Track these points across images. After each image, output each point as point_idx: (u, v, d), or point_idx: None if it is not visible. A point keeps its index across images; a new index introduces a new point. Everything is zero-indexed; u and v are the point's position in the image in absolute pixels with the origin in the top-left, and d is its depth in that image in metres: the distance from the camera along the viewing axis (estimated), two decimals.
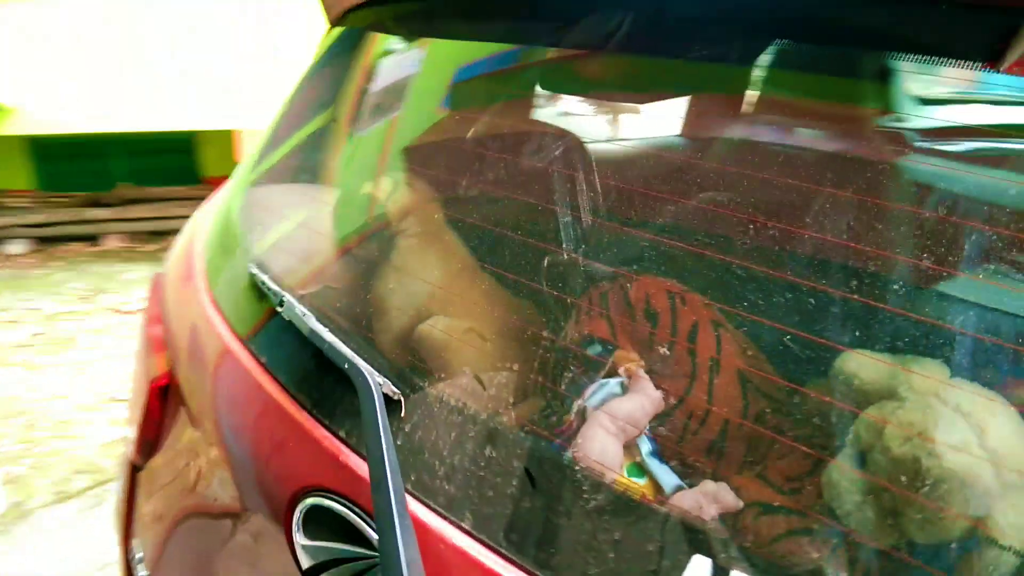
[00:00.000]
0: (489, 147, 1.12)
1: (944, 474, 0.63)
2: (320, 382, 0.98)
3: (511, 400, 0.85)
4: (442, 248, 1.09)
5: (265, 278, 1.13)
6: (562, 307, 0.91)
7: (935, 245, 0.72)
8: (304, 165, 1.44)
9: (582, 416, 0.81)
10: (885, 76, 0.73)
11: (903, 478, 0.65)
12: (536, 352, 0.89)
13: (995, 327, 0.67)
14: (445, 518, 0.78)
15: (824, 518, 0.68)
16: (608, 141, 1.05)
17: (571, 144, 1.03)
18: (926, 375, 0.68)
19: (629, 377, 0.82)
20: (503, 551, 0.74)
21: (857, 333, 0.73)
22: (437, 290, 1.06)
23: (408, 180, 1.19)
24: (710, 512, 0.71)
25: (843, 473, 0.70)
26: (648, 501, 0.73)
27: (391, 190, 1.18)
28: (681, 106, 0.97)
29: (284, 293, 1.07)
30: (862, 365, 0.72)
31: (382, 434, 0.76)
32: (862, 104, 0.78)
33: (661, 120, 1.01)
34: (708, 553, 0.67)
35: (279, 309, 1.04)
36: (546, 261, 0.92)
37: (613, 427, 0.79)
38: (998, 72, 0.61)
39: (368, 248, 1.17)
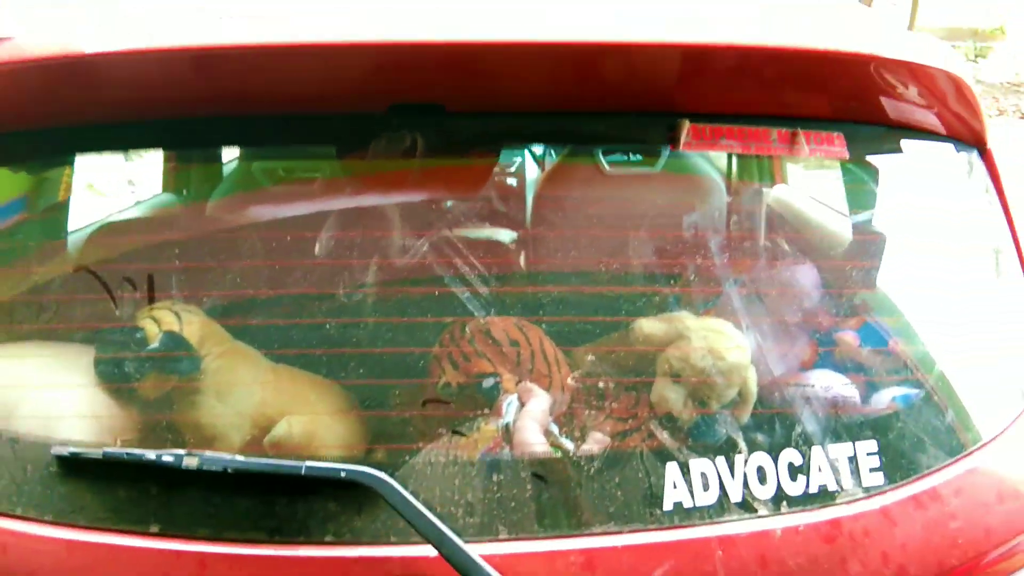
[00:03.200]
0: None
1: (729, 365, 1.13)
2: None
3: (471, 436, 1.09)
4: (251, 358, 1.22)
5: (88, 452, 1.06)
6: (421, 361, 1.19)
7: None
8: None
9: (507, 429, 1.10)
10: None
11: (707, 376, 1.13)
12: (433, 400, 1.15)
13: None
14: (499, 540, 0.98)
15: (658, 422, 1.11)
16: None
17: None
18: (688, 319, 1.19)
19: (521, 391, 1.14)
20: (525, 535, 0.98)
21: (636, 308, 1.21)
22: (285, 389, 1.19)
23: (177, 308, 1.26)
24: (602, 450, 1.08)
25: (665, 388, 1.15)
26: (568, 460, 1.06)
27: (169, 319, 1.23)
28: None
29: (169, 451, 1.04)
30: (651, 326, 1.19)
31: (423, 510, 0.92)
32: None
33: None
34: (614, 470, 1.04)
35: (183, 464, 1.01)
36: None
37: (536, 425, 1.10)
38: (678, 150, 1.17)
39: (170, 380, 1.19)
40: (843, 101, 1.24)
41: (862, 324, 1.25)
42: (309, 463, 0.96)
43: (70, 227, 1.59)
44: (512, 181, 1.28)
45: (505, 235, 1.27)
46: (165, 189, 2.15)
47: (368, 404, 1.19)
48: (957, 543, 1.04)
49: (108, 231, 1.42)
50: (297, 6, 1.11)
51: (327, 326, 1.22)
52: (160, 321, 1.15)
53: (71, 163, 1.51)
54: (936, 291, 1.29)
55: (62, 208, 1.56)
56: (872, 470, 1.06)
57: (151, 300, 1.20)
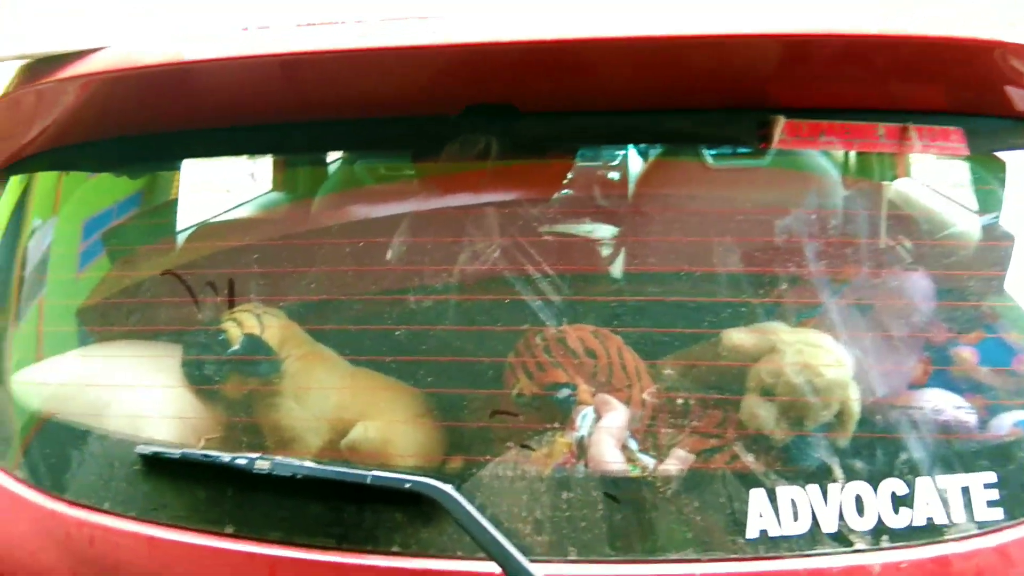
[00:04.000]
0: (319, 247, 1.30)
1: (826, 383, 1.05)
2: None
3: (544, 450, 1.05)
4: (331, 361, 1.23)
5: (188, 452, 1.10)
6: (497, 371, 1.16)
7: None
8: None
9: (581, 443, 1.05)
10: None
11: (802, 394, 1.05)
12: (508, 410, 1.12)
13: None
14: (567, 561, 0.95)
15: (745, 442, 1.04)
16: None
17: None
18: (782, 332, 1.10)
19: (598, 404, 1.09)
20: (595, 558, 0.94)
21: (723, 319, 1.13)
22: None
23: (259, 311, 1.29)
24: (682, 470, 1.02)
25: (756, 406, 1.07)
26: (646, 479, 1.01)
27: (251, 323, 1.26)
28: None
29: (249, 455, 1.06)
30: (740, 337, 1.12)
31: (488, 526, 0.90)
32: None
33: None
34: (695, 492, 0.97)
35: (255, 468, 1.03)
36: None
37: (612, 440, 1.05)
38: (770, 149, 1.09)
39: (249, 382, 1.22)
40: (961, 92, 1.13)
41: (982, 339, 1.13)
42: (375, 472, 0.96)
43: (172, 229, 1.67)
44: (590, 183, 1.23)
45: (584, 239, 1.23)
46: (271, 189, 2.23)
47: (442, 412, 1.18)
48: None
49: (200, 235, 1.47)
50: (374, 10, 1.11)
51: (405, 331, 1.21)
52: (242, 324, 1.18)
53: (175, 167, 1.58)
54: None
55: (164, 211, 1.64)
56: (990, 504, 0.95)
57: (234, 303, 1.23)
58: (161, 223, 1.56)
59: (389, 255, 1.22)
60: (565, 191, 1.23)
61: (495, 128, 1.11)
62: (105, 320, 1.28)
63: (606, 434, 1.07)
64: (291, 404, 1.18)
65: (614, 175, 1.28)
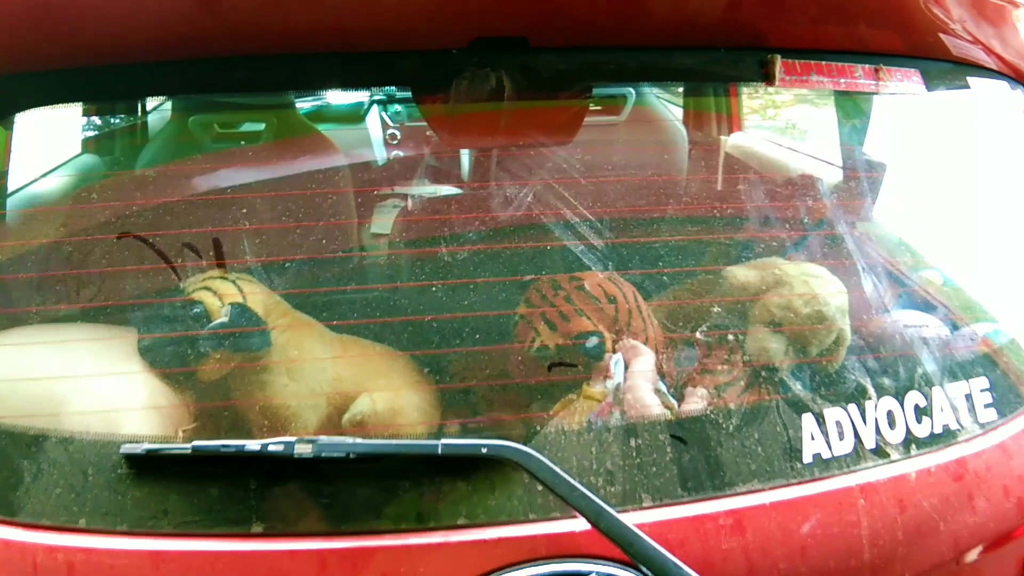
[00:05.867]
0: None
1: (833, 310, 1.12)
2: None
3: (576, 401, 1.02)
4: (316, 330, 1.11)
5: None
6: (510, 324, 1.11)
7: None
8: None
9: (617, 390, 1.04)
10: None
11: (812, 323, 1.11)
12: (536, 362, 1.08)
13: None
14: (643, 508, 0.93)
15: (757, 366, 1.10)
16: None
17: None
18: (783, 265, 1.16)
19: (626, 350, 1.08)
20: (668, 501, 0.94)
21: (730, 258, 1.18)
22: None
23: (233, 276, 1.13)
24: (706, 403, 1.05)
25: (761, 336, 1.13)
26: (680, 416, 1.03)
27: (230, 290, 1.09)
28: None
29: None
30: (745, 273, 1.16)
31: (576, 483, 0.85)
32: None
33: None
34: (718, 420, 1.01)
35: (296, 452, 0.88)
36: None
37: (647, 385, 1.05)
38: (774, 87, 1.13)
39: (236, 359, 1.07)
40: (913, 37, 1.24)
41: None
42: (445, 441, 0.87)
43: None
44: (584, 126, 1.20)
45: (580, 184, 1.20)
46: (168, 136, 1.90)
47: (453, 374, 1.10)
48: None
49: (124, 186, 1.23)
50: None
51: (394, 291, 1.12)
52: (220, 293, 1.02)
53: None
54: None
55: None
56: (986, 406, 1.08)
57: (195, 269, 1.06)
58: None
59: (375, 205, 1.11)
60: (561, 135, 1.19)
61: (506, 63, 1.04)
62: (39, 295, 1.03)
63: (641, 379, 1.06)
64: (284, 380, 1.05)
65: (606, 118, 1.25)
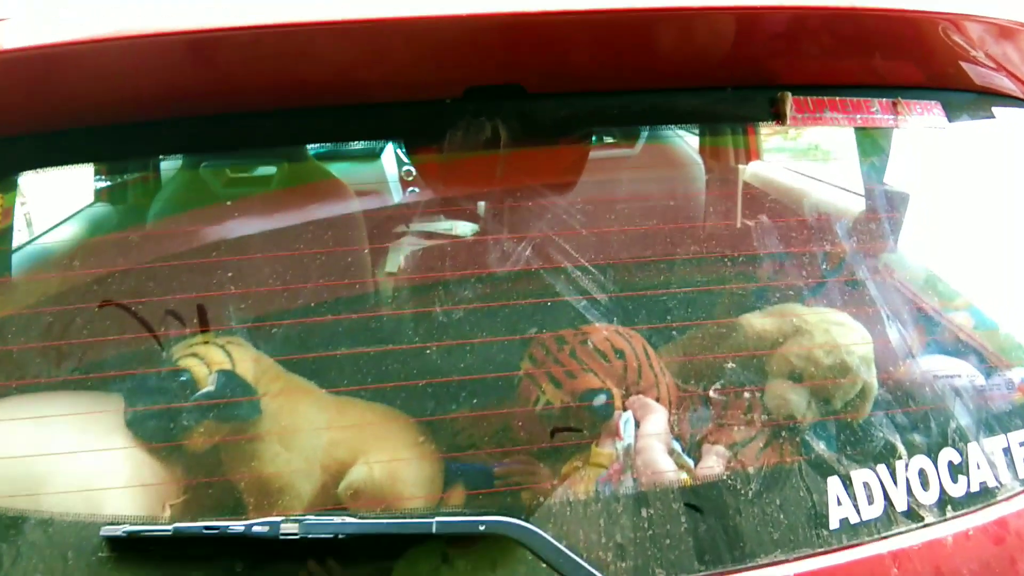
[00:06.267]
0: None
1: (857, 360, 1.05)
2: None
3: (584, 464, 0.96)
4: (311, 393, 1.06)
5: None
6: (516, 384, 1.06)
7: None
8: None
9: (627, 452, 0.98)
10: None
11: (834, 374, 1.05)
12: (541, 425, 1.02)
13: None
14: None
15: (777, 423, 1.03)
16: None
17: None
18: (806, 313, 1.10)
19: (636, 407, 1.02)
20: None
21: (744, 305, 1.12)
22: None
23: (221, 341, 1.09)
24: (724, 463, 0.99)
25: (782, 387, 1.06)
26: (695, 481, 0.96)
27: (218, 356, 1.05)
28: None
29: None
30: (759, 322, 1.10)
31: (582, 562, 0.80)
32: None
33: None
34: (737, 484, 0.95)
35: (281, 533, 0.84)
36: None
37: (660, 445, 0.99)
38: (785, 126, 1.08)
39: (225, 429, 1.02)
40: (934, 68, 1.18)
41: (969, 305, 1.20)
42: (440, 519, 0.82)
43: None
44: (595, 161, 1.16)
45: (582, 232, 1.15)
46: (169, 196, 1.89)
47: (456, 437, 1.05)
48: None
49: (106, 249, 1.21)
50: None
51: (394, 351, 1.07)
52: (207, 359, 0.98)
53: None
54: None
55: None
56: None
57: (182, 335, 1.02)
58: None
59: (382, 262, 1.07)
60: (565, 181, 1.14)
61: (502, 111, 1.00)
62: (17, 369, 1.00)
63: (654, 439, 1.00)
64: (277, 449, 1.00)
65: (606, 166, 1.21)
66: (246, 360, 1.00)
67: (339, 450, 1.03)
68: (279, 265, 1.07)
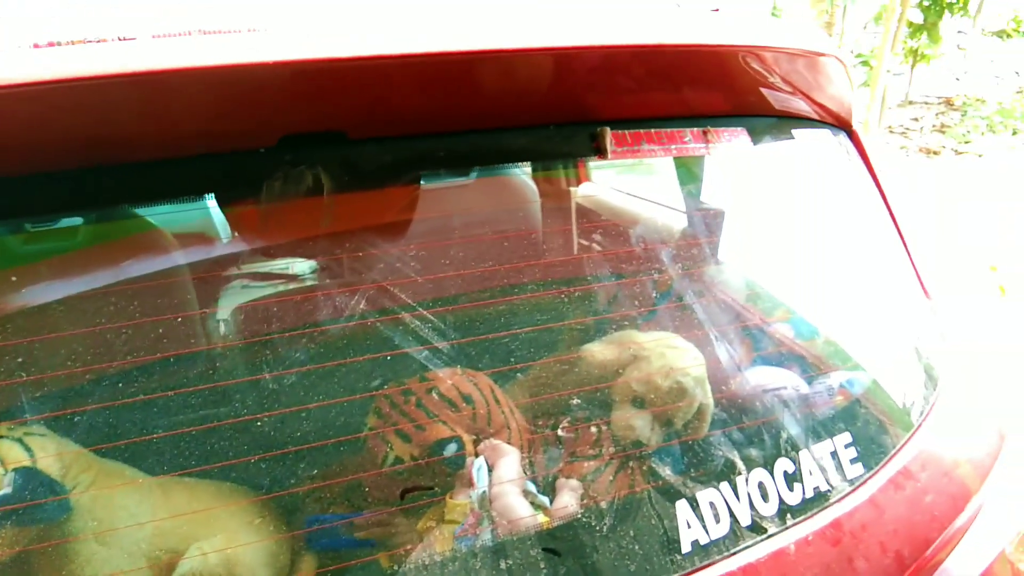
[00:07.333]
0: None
1: (693, 380, 1.10)
2: None
3: (439, 517, 0.93)
4: (128, 479, 0.97)
5: None
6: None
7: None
8: None
9: (483, 499, 0.96)
10: None
11: (673, 396, 1.08)
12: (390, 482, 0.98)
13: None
14: None
15: (622, 447, 1.06)
16: None
17: None
18: (638, 338, 1.13)
19: (487, 452, 1.01)
20: None
21: (581, 337, 1.13)
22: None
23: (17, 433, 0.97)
24: (578, 498, 1.00)
25: (626, 414, 1.09)
26: (552, 523, 0.97)
27: (15, 452, 0.93)
28: None
29: None
30: (603, 351, 1.12)
31: None
32: None
33: None
34: (592, 520, 0.97)
35: None
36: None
37: (514, 488, 0.98)
38: (607, 160, 1.10)
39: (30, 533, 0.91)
40: (738, 96, 1.26)
41: (789, 317, 1.28)
42: None
43: None
44: (419, 212, 1.13)
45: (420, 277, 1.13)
46: None
47: (300, 510, 0.99)
48: (935, 516, 1.08)
49: None
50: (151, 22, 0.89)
51: (221, 417, 0.99)
52: (2, 456, 0.86)
53: None
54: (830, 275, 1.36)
55: None
56: (852, 461, 1.08)
57: None
58: None
59: (194, 323, 0.99)
60: (396, 224, 1.11)
61: (323, 159, 0.96)
62: None
63: (508, 483, 0.99)
64: (93, 548, 0.90)
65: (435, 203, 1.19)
66: (49, 451, 0.89)
67: (167, 539, 0.94)
68: (85, 336, 0.96)
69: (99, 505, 0.91)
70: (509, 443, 1.04)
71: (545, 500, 1.01)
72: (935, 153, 9.68)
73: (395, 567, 0.93)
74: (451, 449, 1.01)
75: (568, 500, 1.01)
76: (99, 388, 0.95)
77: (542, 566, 0.90)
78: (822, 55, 1.23)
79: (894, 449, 1.11)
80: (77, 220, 0.99)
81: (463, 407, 1.04)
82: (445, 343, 1.06)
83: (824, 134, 1.36)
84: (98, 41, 0.85)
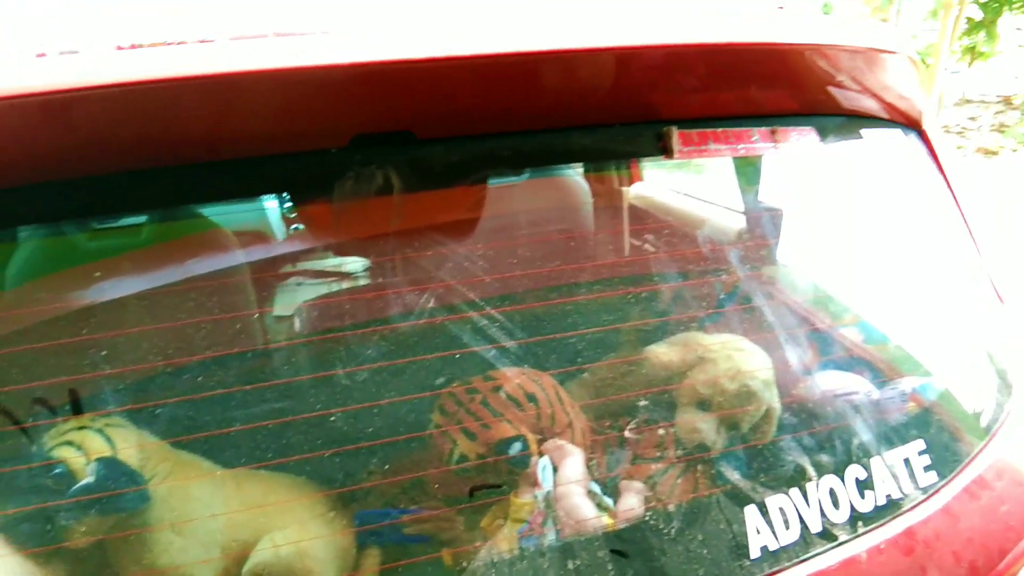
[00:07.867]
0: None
1: (760, 384, 1.08)
2: None
3: (504, 516, 0.93)
4: (204, 470, 0.99)
5: None
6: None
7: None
8: None
9: (547, 499, 0.96)
10: None
11: (740, 400, 1.07)
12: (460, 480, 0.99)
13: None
14: None
15: (687, 450, 1.05)
16: None
17: None
18: (703, 340, 1.12)
19: (552, 452, 1.01)
20: None
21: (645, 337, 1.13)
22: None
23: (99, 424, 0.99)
24: (643, 500, 0.99)
25: (691, 417, 1.08)
26: (618, 524, 0.96)
27: (96, 443, 0.96)
28: None
29: None
30: (664, 352, 1.11)
31: None
32: None
33: None
34: (659, 523, 0.96)
35: None
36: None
37: (579, 489, 0.97)
38: (673, 160, 1.10)
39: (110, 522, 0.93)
40: (804, 95, 1.24)
41: (858, 321, 1.26)
42: None
43: None
44: (486, 211, 1.14)
45: (487, 277, 1.13)
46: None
47: (368, 504, 1.00)
48: (1010, 526, 1.05)
49: None
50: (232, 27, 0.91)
51: (293, 414, 1.01)
52: (84, 446, 0.89)
53: None
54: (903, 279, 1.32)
55: None
56: (926, 468, 1.05)
57: (52, 423, 0.92)
58: None
59: (261, 322, 1.01)
60: (461, 224, 1.12)
61: (392, 159, 0.97)
62: None
63: (572, 484, 0.99)
64: (170, 538, 0.92)
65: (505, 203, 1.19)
66: (129, 443, 0.92)
67: (240, 531, 0.96)
68: (164, 331, 0.99)
69: (175, 495, 0.94)
70: (573, 443, 1.04)
71: (609, 501, 1.01)
72: (993, 153, 9.42)
73: (459, 564, 0.94)
74: (516, 448, 1.01)
75: (633, 502, 1.01)
76: (177, 382, 0.98)
77: (609, 567, 0.90)
78: (892, 53, 1.20)
79: (968, 457, 1.08)
80: (160, 217, 1.02)
81: (528, 406, 1.04)
82: (510, 342, 1.06)
83: (895, 134, 1.33)
84: (178, 43, 0.88)
